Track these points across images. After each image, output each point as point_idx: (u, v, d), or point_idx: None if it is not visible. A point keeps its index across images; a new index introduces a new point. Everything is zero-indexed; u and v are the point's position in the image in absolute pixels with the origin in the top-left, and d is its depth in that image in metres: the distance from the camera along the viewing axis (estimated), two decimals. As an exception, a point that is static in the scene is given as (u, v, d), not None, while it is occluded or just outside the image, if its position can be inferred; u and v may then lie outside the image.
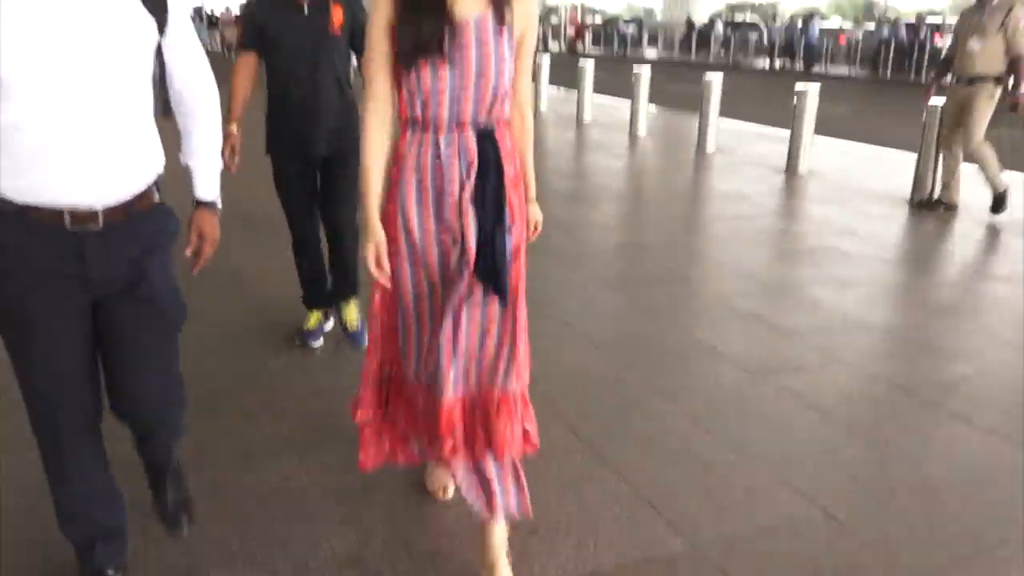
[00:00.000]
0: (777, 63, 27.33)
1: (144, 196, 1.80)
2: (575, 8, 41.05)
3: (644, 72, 10.75)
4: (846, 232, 5.98)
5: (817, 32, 25.26)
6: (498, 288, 1.98)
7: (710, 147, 9.49)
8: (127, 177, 1.76)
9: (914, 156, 7.14)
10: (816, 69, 25.09)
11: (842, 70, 24.97)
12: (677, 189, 7.66)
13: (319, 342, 3.74)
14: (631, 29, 36.12)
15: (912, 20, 24.65)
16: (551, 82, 14.65)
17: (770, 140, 10.27)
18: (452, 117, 1.94)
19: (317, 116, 3.31)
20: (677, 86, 10.86)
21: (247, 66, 3.27)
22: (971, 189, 6.79)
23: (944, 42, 23.73)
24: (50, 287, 1.75)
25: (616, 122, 11.77)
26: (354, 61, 3.34)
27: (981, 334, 4.07)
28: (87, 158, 1.67)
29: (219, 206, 2.05)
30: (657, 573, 2.23)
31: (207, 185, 2.00)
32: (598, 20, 41.99)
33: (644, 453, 2.85)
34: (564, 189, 7.40)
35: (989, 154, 6.36)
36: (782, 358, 3.71)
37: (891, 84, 22.22)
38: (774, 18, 36.89)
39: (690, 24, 33.59)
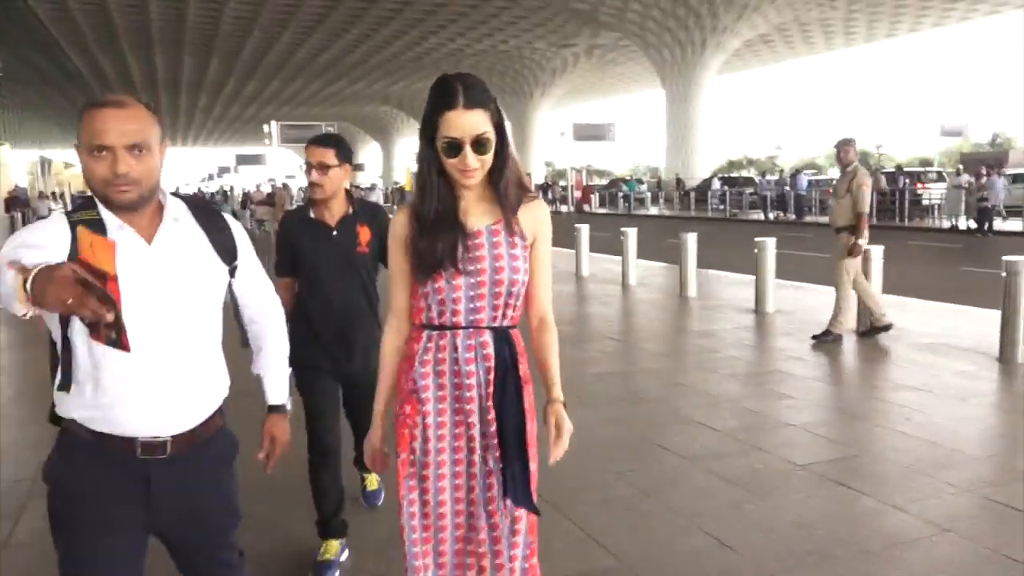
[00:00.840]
0: (772, 215, 29.27)
1: (209, 422, 1.93)
2: (579, 172, 44.12)
3: (631, 232, 12.34)
4: (794, 358, 7.14)
5: (805, 184, 27.31)
6: (522, 495, 2.02)
7: (691, 292, 10.80)
8: (195, 408, 1.89)
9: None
10: (808, 219, 26.93)
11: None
12: (654, 329, 8.91)
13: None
14: (632, 189, 38.32)
15: (892, 170, 26.63)
16: (559, 245, 16.03)
17: (747, 285, 11.52)
18: (468, 321, 2.02)
19: (350, 333, 3.39)
20: (671, 241, 12.23)
21: (286, 291, 3.38)
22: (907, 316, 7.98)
23: (926, 191, 25.64)
24: (114, 514, 1.84)
25: (611, 275, 13.16)
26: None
27: (872, 427, 5.17)
28: (161, 394, 1.81)
29: (289, 408, 2.25)
30: None
31: (277, 392, 2.21)
32: (604, 181, 44.73)
33: (597, 509, 3.94)
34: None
35: (849, 292, 7.75)
36: (712, 449, 4.81)
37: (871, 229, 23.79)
38: (780, 171, 39.47)
39: (679, 183, 36.04)
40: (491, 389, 2.01)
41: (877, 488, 4.17)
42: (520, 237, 2.04)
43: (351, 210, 3.38)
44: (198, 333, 1.88)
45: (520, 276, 2.03)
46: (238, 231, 2.02)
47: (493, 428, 2.02)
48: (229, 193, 38.49)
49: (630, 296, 11.31)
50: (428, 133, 1.98)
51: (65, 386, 1.80)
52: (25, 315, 1.53)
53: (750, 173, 40.03)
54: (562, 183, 44.70)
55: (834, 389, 6.36)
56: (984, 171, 21.18)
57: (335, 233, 3.35)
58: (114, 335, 1.50)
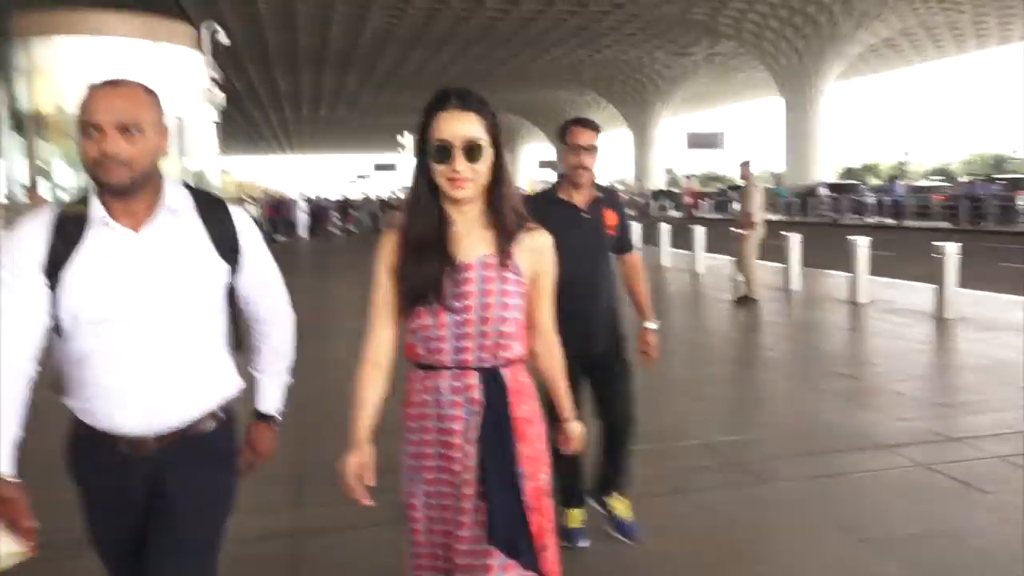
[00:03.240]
0: (871, 219, 29.89)
1: (200, 423, 1.86)
2: (690, 179, 45.46)
3: (795, 239, 11.95)
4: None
5: (900, 190, 27.90)
6: (517, 549, 1.86)
7: (861, 299, 10.31)
8: (183, 407, 1.82)
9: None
10: (907, 223, 27.47)
11: (927, 223, 27.16)
12: (742, 323, 10.53)
13: (586, 541, 3.48)
14: (784, 196, 37.95)
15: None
16: (673, 246, 16.71)
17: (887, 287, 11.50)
18: (454, 361, 1.89)
19: (597, 314, 3.35)
20: (774, 243, 13.27)
21: None
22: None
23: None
24: (111, 501, 1.87)
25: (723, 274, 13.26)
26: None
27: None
28: (144, 391, 1.77)
29: (279, 420, 2.11)
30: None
31: (270, 399, 2.08)
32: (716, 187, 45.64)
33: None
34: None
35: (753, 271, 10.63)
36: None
37: (962, 234, 24.03)
38: (891, 178, 39.40)
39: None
40: (479, 434, 1.88)
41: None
42: (515, 272, 1.90)
43: (599, 195, 3.37)
44: (189, 329, 1.81)
45: (511, 315, 1.89)
46: (244, 226, 1.91)
47: (469, 476, 1.88)
48: (371, 199, 41.42)
49: (798, 302, 11.15)
50: (421, 143, 1.89)
51: (54, 384, 1.86)
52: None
53: (870, 179, 40.00)
54: (675, 189, 46.18)
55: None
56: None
57: (586, 216, 3.33)
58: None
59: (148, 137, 1.74)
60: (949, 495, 4.00)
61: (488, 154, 1.87)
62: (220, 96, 15.43)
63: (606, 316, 3.42)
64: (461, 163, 1.83)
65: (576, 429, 2.15)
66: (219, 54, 15.44)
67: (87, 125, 1.70)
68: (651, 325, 3.57)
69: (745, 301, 10.59)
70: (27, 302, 1.72)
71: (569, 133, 3.27)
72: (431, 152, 1.85)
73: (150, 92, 1.81)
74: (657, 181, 55.65)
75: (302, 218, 32.55)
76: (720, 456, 4.60)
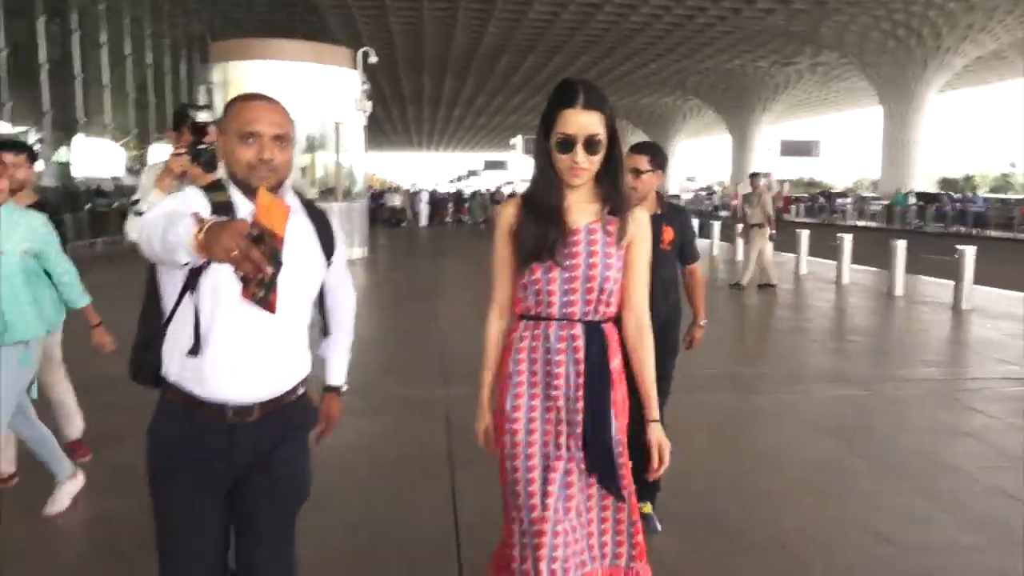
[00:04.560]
0: (953, 228, 31.34)
1: (293, 391, 2.06)
2: (781, 184, 46.88)
3: (969, 252, 11.16)
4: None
5: (981, 202, 29.20)
6: (608, 480, 2.14)
7: (964, 305, 10.91)
8: (283, 379, 2.02)
9: None
10: (988, 233, 28.95)
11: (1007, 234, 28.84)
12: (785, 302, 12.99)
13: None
14: (901, 203, 39.19)
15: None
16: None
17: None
18: (561, 313, 2.14)
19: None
20: (867, 248, 15.23)
21: None
22: None
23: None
24: (204, 480, 1.98)
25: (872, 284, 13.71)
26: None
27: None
28: (257, 366, 1.95)
29: (344, 390, 2.42)
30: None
31: (338, 373, 2.40)
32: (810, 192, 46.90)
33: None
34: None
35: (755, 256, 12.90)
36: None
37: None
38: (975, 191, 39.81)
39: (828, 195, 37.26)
40: (581, 380, 2.12)
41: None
42: (615, 239, 2.15)
43: (659, 211, 3.61)
44: (296, 311, 2.01)
45: (612, 274, 2.14)
46: (337, 229, 2.16)
47: (579, 417, 2.12)
48: (482, 192, 44.97)
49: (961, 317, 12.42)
50: (545, 128, 2.11)
51: (192, 349, 1.91)
52: (186, 265, 1.69)
53: (968, 190, 40.62)
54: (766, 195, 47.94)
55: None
56: None
57: None
58: (262, 293, 1.55)
59: (291, 148, 1.97)
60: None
61: (604, 147, 2.09)
62: (368, 105, 18.78)
63: (660, 326, 3.85)
64: (581, 155, 2.06)
65: (659, 439, 2.19)
66: (367, 69, 18.81)
67: (247, 134, 1.90)
68: (701, 323, 4.00)
69: (765, 287, 12.84)
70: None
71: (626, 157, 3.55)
72: (556, 143, 2.07)
73: (289, 112, 2.00)
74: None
75: (423, 208, 36.24)
76: (734, 380, 6.88)
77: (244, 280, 1.53)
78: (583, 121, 2.06)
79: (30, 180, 4.14)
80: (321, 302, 2.26)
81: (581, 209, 2.17)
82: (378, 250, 21.03)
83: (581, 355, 2.14)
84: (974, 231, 30.09)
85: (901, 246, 12.51)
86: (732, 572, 3.48)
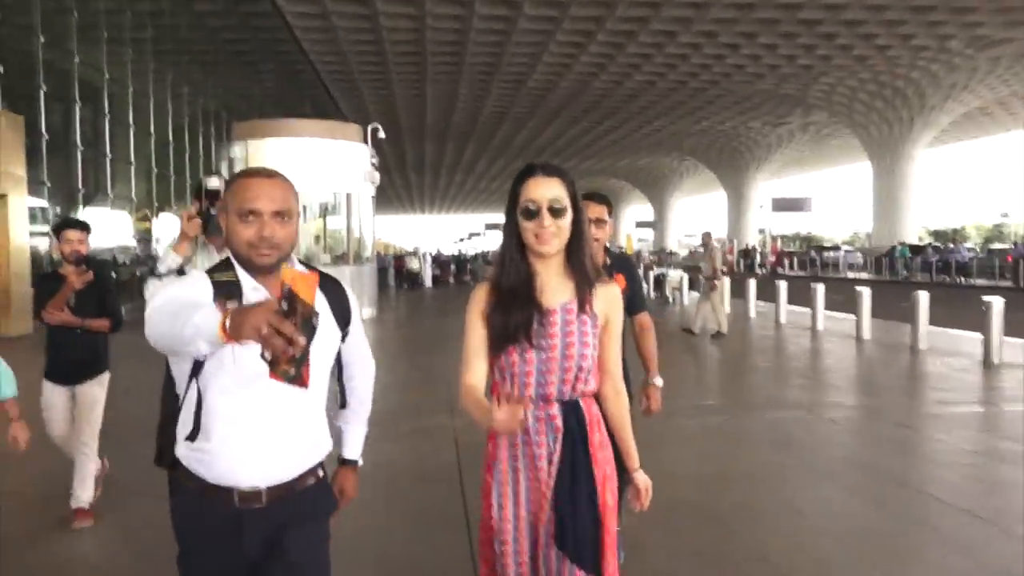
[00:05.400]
0: (939, 278, 32.74)
1: (305, 476, 2.00)
2: (775, 240, 48.39)
3: (997, 304, 11.44)
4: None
5: (964, 252, 30.52)
6: (582, 559, 2.09)
7: (866, 335, 13.20)
8: (294, 462, 1.97)
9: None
10: (973, 281, 30.31)
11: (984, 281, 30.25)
12: (779, 348, 13.99)
13: None
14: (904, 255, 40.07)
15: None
16: (758, 298, 18.84)
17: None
18: (538, 394, 2.13)
19: None
20: (836, 297, 16.54)
21: None
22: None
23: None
24: (216, 566, 1.95)
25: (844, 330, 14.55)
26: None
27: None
28: (265, 447, 1.90)
29: (360, 464, 2.35)
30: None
31: (354, 447, 2.33)
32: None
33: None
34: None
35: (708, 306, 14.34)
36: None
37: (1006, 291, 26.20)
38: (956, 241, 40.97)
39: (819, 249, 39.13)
40: (558, 459, 2.12)
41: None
42: (591, 316, 2.15)
43: (607, 261, 3.60)
44: (311, 392, 1.90)
45: (589, 352, 2.14)
46: (352, 300, 2.13)
47: (550, 492, 2.11)
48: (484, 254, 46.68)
49: (804, 336, 15.28)
50: (511, 207, 2.15)
51: (189, 435, 1.90)
52: (204, 355, 1.72)
53: (959, 241, 41.97)
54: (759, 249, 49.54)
55: None
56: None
57: None
58: (293, 371, 1.49)
59: (293, 223, 1.93)
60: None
61: (568, 213, 2.13)
62: (377, 177, 20.15)
63: None
64: (547, 219, 2.10)
65: (644, 481, 2.28)
66: (375, 143, 20.31)
67: (246, 212, 1.86)
68: (657, 382, 3.73)
69: (718, 336, 13.98)
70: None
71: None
72: (521, 212, 2.12)
73: (292, 185, 1.97)
74: (752, 240, 57.88)
75: (428, 271, 37.60)
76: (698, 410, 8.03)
77: (272, 361, 1.49)
78: (544, 187, 2.12)
79: (87, 251, 4.71)
80: (340, 374, 2.26)
81: (554, 287, 2.18)
82: (387, 310, 22.26)
83: (560, 433, 2.13)
84: (960, 279, 31.36)
85: (866, 294, 13.64)
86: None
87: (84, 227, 4.72)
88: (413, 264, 37.43)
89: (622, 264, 3.70)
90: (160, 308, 1.71)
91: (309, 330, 1.46)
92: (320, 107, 38.47)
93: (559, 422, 2.13)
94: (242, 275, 1.93)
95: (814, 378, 10.24)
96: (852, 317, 14.63)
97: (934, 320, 12.51)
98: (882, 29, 31.35)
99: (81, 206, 19.37)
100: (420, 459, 6.19)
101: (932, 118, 40.84)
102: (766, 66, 36.28)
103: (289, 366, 1.48)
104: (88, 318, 4.64)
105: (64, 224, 4.71)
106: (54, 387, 4.70)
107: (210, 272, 1.95)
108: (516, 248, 2.18)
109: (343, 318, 2.09)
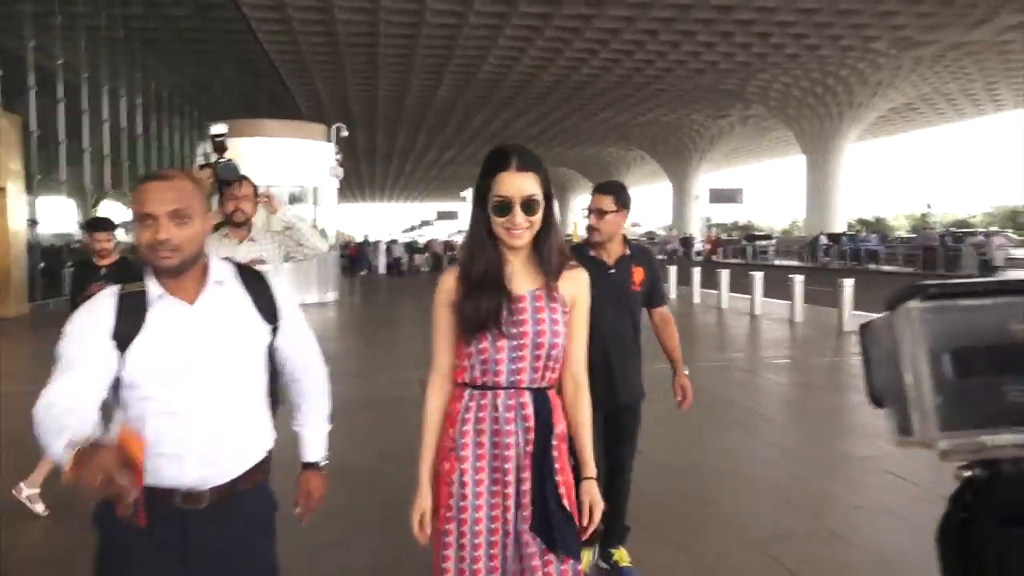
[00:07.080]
0: (848, 264, 35.44)
1: (248, 475, 1.97)
2: (711, 229, 50.56)
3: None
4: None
5: (874, 240, 34.28)
6: (552, 541, 2.05)
7: (757, 311, 15.52)
8: (235, 460, 1.95)
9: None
10: (883, 267, 33.13)
11: (890, 268, 33.19)
12: (724, 334, 15.53)
13: None
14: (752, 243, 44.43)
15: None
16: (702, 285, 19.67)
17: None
18: (509, 382, 2.09)
19: (618, 367, 3.53)
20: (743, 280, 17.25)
21: None
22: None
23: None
24: (153, 568, 1.89)
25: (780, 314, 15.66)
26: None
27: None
28: (202, 447, 1.88)
29: (324, 464, 2.28)
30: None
31: (314, 449, 2.26)
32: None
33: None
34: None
35: None
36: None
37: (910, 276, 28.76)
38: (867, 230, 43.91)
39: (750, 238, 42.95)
40: (530, 449, 2.08)
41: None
42: (560, 303, 2.12)
43: (627, 252, 3.60)
44: (238, 389, 1.94)
45: (560, 340, 2.11)
46: (281, 293, 2.10)
47: (526, 487, 2.08)
48: (437, 241, 47.89)
49: (724, 313, 17.46)
50: (481, 195, 2.10)
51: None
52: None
53: (881, 231, 44.57)
54: (698, 237, 52.20)
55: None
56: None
57: (612, 271, 3.54)
58: (131, 512, 1.64)
59: (195, 223, 1.88)
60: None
61: (542, 206, 2.08)
62: (341, 172, 21.51)
63: (628, 368, 3.61)
64: (520, 216, 2.04)
65: (594, 494, 2.16)
66: (339, 141, 21.74)
67: (142, 216, 1.83)
68: (685, 371, 3.75)
69: None
70: (95, 365, 1.81)
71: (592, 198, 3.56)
72: (493, 207, 2.05)
73: (195, 182, 1.95)
74: (695, 230, 59.52)
75: (382, 259, 38.72)
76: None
77: (115, 497, 1.52)
78: (519, 182, 2.04)
79: (113, 248, 5.06)
80: (284, 373, 2.20)
81: (523, 275, 2.14)
82: (346, 295, 23.59)
83: (531, 423, 2.09)
84: (870, 266, 33.96)
85: (759, 277, 15.90)
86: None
87: (111, 227, 5.10)
88: (397, 252, 39.70)
89: (642, 257, 3.70)
90: (39, 418, 1.70)
91: (133, 487, 1.51)
92: (276, 98, 39.18)
93: (530, 411, 2.10)
94: (149, 284, 1.92)
95: (696, 340, 12.35)
96: (747, 296, 16.70)
97: (825, 300, 14.79)
98: (812, 30, 33.14)
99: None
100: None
101: (860, 114, 43.04)
102: (706, 62, 37.78)
103: (127, 508, 1.60)
104: None
105: (94, 226, 5.11)
106: None
107: (125, 282, 1.97)
108: (486, 236, 2.12)
109: (269, 313, 2.05)
